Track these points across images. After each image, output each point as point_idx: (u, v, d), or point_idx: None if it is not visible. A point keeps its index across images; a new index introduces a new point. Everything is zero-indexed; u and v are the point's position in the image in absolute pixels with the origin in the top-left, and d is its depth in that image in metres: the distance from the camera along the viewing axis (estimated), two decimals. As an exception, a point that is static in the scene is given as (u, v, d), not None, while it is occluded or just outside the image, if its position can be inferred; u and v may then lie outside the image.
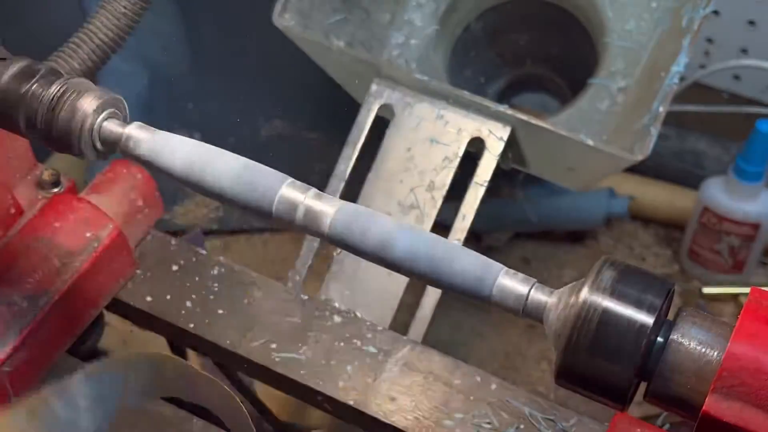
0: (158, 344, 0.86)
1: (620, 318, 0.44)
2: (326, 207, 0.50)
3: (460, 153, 0.89)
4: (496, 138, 0.89)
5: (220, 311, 0.78)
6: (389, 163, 0.90)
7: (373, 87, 0.92)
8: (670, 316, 0.46)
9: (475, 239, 1.30)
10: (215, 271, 0.81)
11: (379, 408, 0.72)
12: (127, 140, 0.52)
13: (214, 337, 0.76)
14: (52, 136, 0.53)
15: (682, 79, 0.90)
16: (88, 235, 0.72)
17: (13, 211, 0.72)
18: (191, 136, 0.53)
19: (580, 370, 0.45)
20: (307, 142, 1.29)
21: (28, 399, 0.49)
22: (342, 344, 0.76)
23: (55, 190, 0.75)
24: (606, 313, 0.44)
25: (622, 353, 0.44)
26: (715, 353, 0.44)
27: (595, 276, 0.45)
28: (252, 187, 0.50)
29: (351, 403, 0.72)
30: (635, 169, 1.25)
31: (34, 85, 0.53)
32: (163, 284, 0.80)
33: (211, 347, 0.77)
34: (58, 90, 0.53)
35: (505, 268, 0.48)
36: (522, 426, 0.70)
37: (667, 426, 0.87)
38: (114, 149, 0.53)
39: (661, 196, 1.36)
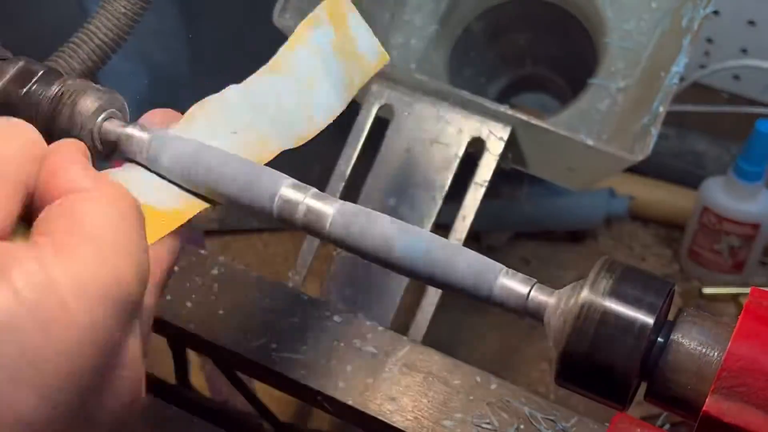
0: (158, 344, 0.86)
1: (620, 318, 0.44)
2: (326, 207, 0.50)
3: (461, 153, 0.89)
4: (496, 138, 0.89)
5: (221, 311, 0.78)
6: (389, 164, 0.90)
7: (373, 87, 0.92)
8: (671, 317, 0.46)
9: (475, 239, 1.30)
10: (215, 271, 0.81)
11: (379, 408, 0.72)
12: (128, 141, 0.52)
13: (214, 337, 0.76)
14: (53, 137, 0.53)
15: (682, 79, 0.90)
16: (88, 235, 0.72)
17: (13, 211, 0.72)
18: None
19: (580, 371, 0.45)
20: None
21: None
22: (342, 344, 0.76)
23: (55, 190, 0.75)
24: (606, 313, 0.44)
25: (622, 353, 0.44)
26: (716, 353, 0.44)
27: (596, 276, 0.45)
28: (252, 187, 0.50)
29: (351, 403, 0.72)
30: (635, 169, 1.25)
31: (34, 86, 0.53)
32: (163, 284, 0.80)
33: (211, 347, 0.77)
34: (58, 90, 0.53)
35: (505, 268, 0.48)
36: (522, 426, 0.70)
37: (667, 426, 0.87)
38: (114, 150, 0.53)
39: (661, 196, 1.36)
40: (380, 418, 0.71)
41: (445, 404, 0.72)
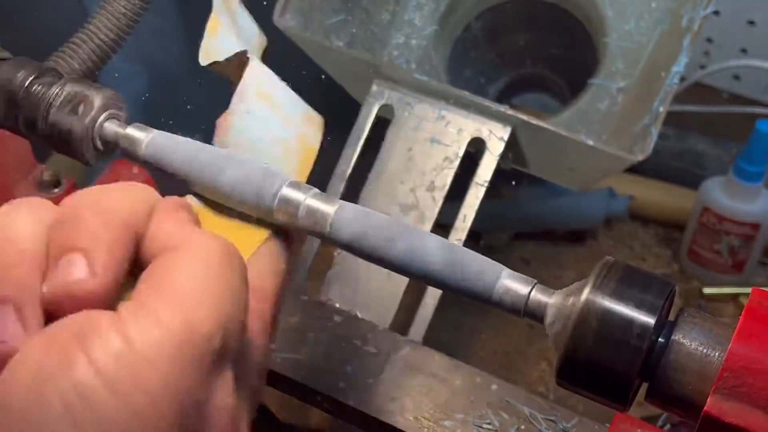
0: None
1: (621, 319, 0.44)
2: (327, 207, 0.50)
3: (461, 153, 0.89)
4: (496, 138, 0.89)
5: (221, 311, 0.78)
6: (390, 164, 0.90)
7: (374, 87, 0.92)
8: (671, 317, 0.46)
9: (475, 239, 1.30)
10: (215, 272, 0.81)
11: (379, 408, 0.71)
12: (128, 141, 0.52)
13: (214, 337, 0.76)
14: (53, 137, 0.53)
15: (682, 79, 0.90)
16: (88, 235, 0.72)
17: (13, 211, 0.72)
18: (192, 137, 0.53)
19: (581, 371, 0.45)
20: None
21: None
22: (342, 344, 0.76)
23: (56, 190, 0.75)
24: (607, 313, 0.44)
25: (623, 354, 0.44)
26: (717, 354, 0.44)
27: (596, 277, 0.45)
28: (252, 187, 0.50)
29: (351, 403, 0.72)
30: (635, 169, 1.25)
31: (34, 86, 0.53)
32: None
33: (211, 347, 0.77)
34: (58, 90, 0.53)
35: (506, 269, 0.48)
36: (522, 426, 0.70)
37: (668, 426, 0.87)
38: (114, 150, 0.53)
39: (660, 196, 1.36)
40: (380, 418, 0.71)
41: (445, 404, 0.72)
